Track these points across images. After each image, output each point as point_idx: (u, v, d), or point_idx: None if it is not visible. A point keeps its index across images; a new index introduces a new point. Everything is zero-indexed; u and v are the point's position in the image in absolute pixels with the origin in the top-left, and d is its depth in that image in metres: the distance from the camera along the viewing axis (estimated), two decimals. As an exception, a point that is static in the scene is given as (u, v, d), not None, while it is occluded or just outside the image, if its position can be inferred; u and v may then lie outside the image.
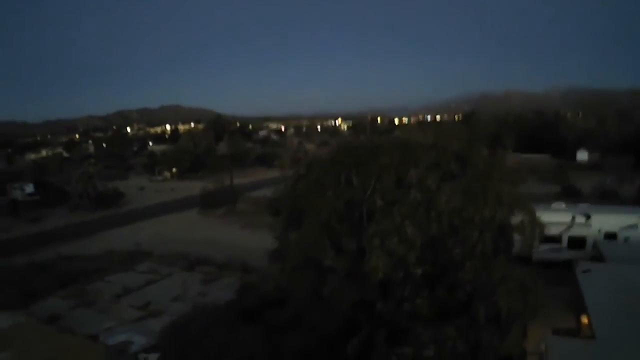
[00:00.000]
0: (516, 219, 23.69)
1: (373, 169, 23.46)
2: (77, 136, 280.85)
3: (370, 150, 24.55)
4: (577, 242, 39.73)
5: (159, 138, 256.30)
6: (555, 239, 41.23)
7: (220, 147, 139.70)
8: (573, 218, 42.00)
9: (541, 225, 24.66)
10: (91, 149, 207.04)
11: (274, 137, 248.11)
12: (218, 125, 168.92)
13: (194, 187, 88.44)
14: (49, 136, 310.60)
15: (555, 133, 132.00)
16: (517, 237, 24.48)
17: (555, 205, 46.68)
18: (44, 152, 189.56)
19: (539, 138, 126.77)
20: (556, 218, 42.02)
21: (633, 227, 39.36)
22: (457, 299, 21.06)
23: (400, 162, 23.61)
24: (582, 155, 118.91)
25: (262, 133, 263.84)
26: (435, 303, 21.17)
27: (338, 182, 24.17)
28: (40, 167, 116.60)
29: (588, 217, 41.56)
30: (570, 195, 65.31)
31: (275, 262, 27.03)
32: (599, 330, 21.44)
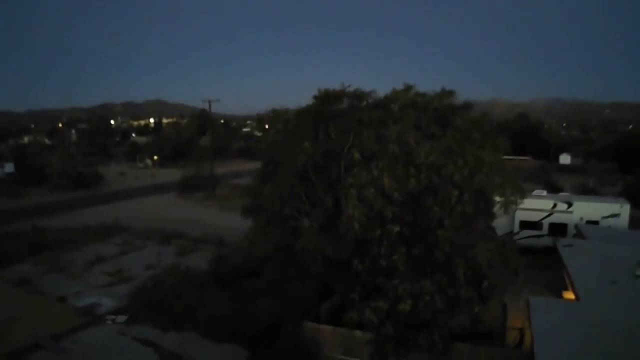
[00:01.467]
0: (497, 180, 23.39)
1: (352, 124, 23.11)
2: (60, 125, 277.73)
3: (349, 109, 24.20)
4: (559, 229, 39.46)
5: (142, 130, 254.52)
6: (536, 225, 41.11)
7: (202, 140, 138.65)
8: (554, 205, 41.79)
9: (521, 190, 24.39)
10: (73, 137, 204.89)
11: (257, 133, 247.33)
12: (202, 119, 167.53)
13: (174, 174, 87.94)
14: (32, 125, 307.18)
15: (538, 136, 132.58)
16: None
17: (536, 192, 46.56)
18: (25, 139, 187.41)
19: (521, 140, 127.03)
20: (537, 205, 41.90)
21: (615, 216, 39.23)
22: (435, 258, 20.68)
23: (379, 120, 23.34)
24: (565, 159, 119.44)
25: (245, 130, 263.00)
26: (413, 261, 20.77)
27: (316, 134, 23.78)
28: (21, 148, 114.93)
29: (570, 204, 41.36)
30: (553, 193, 65.26)
31: (248, 216, 26.39)
32: (581, 292, 21.20)
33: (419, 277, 19.80)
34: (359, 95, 23.87)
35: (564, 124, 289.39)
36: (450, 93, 24.76)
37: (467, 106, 24.92)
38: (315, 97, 24.08)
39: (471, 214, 21.49)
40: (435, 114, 24.36)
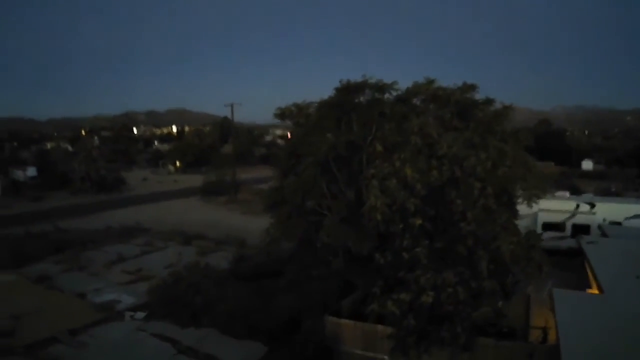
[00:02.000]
0: (519, 173, 23.14)
1: (374, 116, 22.97)
2: (83, 133, 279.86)
3: (371, 101, 24.03)
4: (581, 230, 38.92)
5: (165, 138, 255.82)
6: (559, 227, 40.65)
7: (225, 147, 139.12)
8: (577, 206, 41.31)
9: (544, 184, 24.12)
10: (96, 142, 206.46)
11: (280, 141, 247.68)
12: (224, 127, 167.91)
13: (196, 180, 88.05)
14: (55, 134, 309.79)
15: (561, 142, 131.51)
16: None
17: (559, 193, 46.12)
18: (48, 145, 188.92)
19: (543, 146, 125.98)
20: (560, 206, 41.48)
21: (638, 216, 38.71)
22: (458, 252, 20.44)
23: (401, 113, 23.21)
24: (587, 165, 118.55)
25: (268, 138, 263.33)
26: (435, 254, 20.54)
27: (338, 126, 23.66)
28: (44, 153, 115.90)
29: (592, 205, 40.89)
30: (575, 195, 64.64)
31: (270, 210, 26.26)
32: (605, 286, 20.83)
33: (442, 269, 19.52)
34: (380, 87, 23.63)
35: (586, 132, 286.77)
36: (472, 87, 24.50)
37: (489, 101, 24.63)
38: (336, 89, 23.93)
39: (494, 207, 21.25)
40: (457, 107, 24.17)
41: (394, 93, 24.13)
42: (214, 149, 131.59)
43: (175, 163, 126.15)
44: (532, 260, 20.74)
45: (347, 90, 23.74)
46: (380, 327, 21.31)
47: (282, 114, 25.41)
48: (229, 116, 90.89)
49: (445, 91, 24.19)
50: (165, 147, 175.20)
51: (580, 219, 39.56)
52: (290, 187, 23.65)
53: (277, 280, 28.87)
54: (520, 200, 23.29)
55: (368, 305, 20.44)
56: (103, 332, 26.24)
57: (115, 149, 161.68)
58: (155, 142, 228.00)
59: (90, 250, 42.29)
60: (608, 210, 39.83)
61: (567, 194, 48.09)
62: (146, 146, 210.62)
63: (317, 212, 23.91)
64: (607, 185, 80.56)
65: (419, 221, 20.70)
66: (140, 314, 28.19)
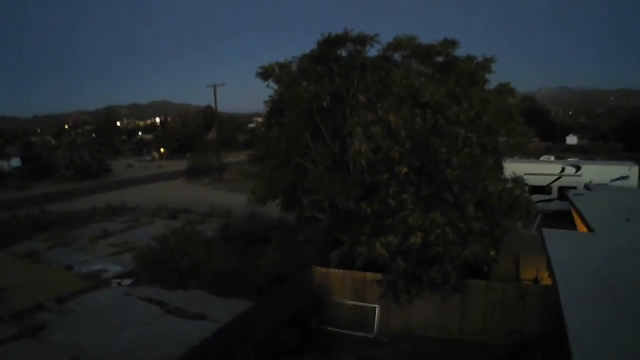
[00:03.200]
0: (503, 121, 23.13)
1: (356, 67, 22.91)
2: (67, 127, 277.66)
3: (353, 53, 23.88)
4: (567, 193, 39.17)
5: (149, 129, 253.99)
6: (545, 190, 40.86)
7: (209, 135, 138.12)
8: (562, 169, 41.56)
9: (530, 132, 24.11)
10: (79, 138, 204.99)
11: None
12: (207, 115, 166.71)
13: (181, 165, 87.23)
14: (38, 130, 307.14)
15: (544, 119, 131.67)
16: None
17: (544, 157, 46.31)
18: (33, 139, 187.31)
19: (528, 122, 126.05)
20: (546, 169, 41.68)
21: (624, 178, 38.91)
22: (444, 198, 20.37)
23: (383, 66, 23.13)
24: (572, 140, 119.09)
25: (251, 125, 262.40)
26: (422, 200, 20.47)
27: (320, 78, 23.53)
28: (28, 145, 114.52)
29: (578, 168, 41.12)
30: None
31: (255, 164, 26.10)
32: (595, 226, 20.85)
33: (429, 210, 19.43)
34: (362, 39, 23.48)
35: (570, 112, 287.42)
36: (453, 42, 24.37)
37: (470, 58, 24.54)
38: (318, 42, 23.74)
39: (479, 154, 21.23)
40: (438, 62, 24.16)
41: (375, 45, 23.97)
42: (198, 135, 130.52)
43: (160, 150, 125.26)
44: (519, 203, 20.66)
45: (329, 43, 23.58)
46: (369, 274, 21.28)
47: (264, 72, 25.09)
48: (212, 105, 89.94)
49: (426, 46, 24.12)
50: (149, 137, 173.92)
51: (566, 182, 39.79)
52: (274, 138, 23.59)
53: (265, 246, 28.83)
54: (505, 147, 23.26)
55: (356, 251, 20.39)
56: (89, 299, 26.01)
57: (99, 141, 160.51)
58: (139, 133, 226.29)
59: (76, 229, 41.89)
60: (593, 172, 40.04)
61: (552, 157, 48.22)
62: (130, 137, 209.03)
63: (301, 165, 23.82)
64: (591, 158, 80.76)
65: (404, 169, 20.71)
66: (127, 281, 27.99)
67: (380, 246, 19.03)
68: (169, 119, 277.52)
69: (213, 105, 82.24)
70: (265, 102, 25.41)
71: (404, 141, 20.67)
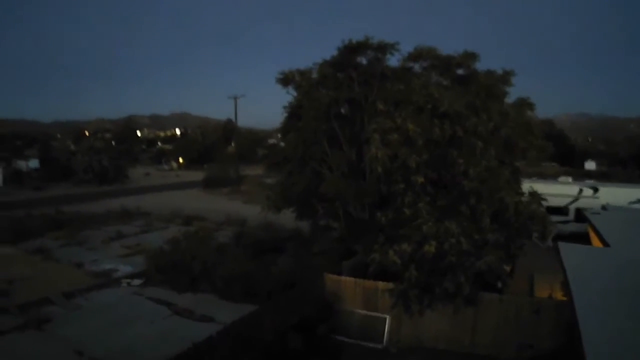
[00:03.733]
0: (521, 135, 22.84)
1: (375, 75, 22.80)
2: (87, 134, 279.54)
3: (373, 61, 23.79)
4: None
5: (169, 140, 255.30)
6: (562, 211, 40.40)
7: (228, 149, 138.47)
8: (580, 190, 41.10)
9: (548, 146, 23.78)
10: (99, 144, 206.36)
11: (282, 144, 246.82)
12: (227, 129, 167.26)
13: (199, 176, 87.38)
14: (58, 135, 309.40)
15: (564, 143, 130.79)
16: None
17: (562, 178, 45.89)
18: (52, 152, 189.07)
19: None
20: (563, 190, 41.25)
21: (641, 200, 38.46)
22: (460, 210, 20.10)
23: (403, 75, 22.99)
24: (590, 165, 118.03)
25: (271, 141, 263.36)
26: (438, 210, 20.21)
27: (339, 84, 23.45)
28: (47, 147, 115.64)
29: (596, 189, 40.68)
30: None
31: (271, 171, 25.94)
32: (610, 241, 20.50)
33: (444, 219, 19.16)
34: (382, 47, 23.33)
35: (589, 139, 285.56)
36: (473, 55, 24.12)
37: (490, 72, 24.28)
38: (338, 48, 23.63)
39: (496, 165, 21.00)
40: (457, 75, 23.97)
41: (395, 54, 23.80)
42: (217, 147, 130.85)
43: (178, 160, 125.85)
44: (536, 217, 20.34)
45: (349, 50, 23.44)
46: (381, 283, 21.04)
47: (284, 79, 24.97)
48: (232, 118, 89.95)
49: (446, 57, 23.91)
50: (168, 147, 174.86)
51: (583, 203, 39.27)
52: (292, 142, 23.46)
53: (278, 255, 28.68)
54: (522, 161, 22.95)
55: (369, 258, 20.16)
56: (98, 296, 25.91)
57: (118, 149, 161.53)
58: (159, 143, 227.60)
59: (89, 230, 41.92)
60: (611, 194, 39.56)
61: (570, 179, 47.78)
62: (149, 146, 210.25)
63: (317, 172, 23.68)
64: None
65: (421, 179, 20.40)
66: (137, 281, 27.85)
67: (394, 254, 18.78)
68: (189, 130, 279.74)
69: (233, 118, 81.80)
70: (284, 107, 25.26)
71: (421, 150, 20.42)
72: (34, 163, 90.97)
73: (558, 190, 41.03)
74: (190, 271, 26.35)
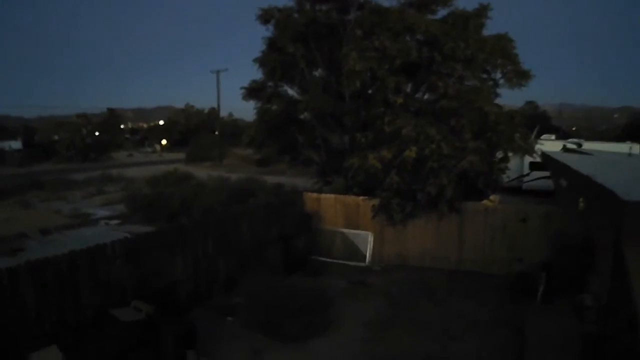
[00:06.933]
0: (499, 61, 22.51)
1: (353, 4, 22.71)
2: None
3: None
4: (568, 170, 38.68)
5: (152, 129, 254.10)
6: (546, 167, 40.35)
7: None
8: (564, 146, 41.04)
9: (527, 75, 23.37)
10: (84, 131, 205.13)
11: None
12: (211, 117, 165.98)
13: (183, 156, 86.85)
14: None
15: (547, 123, 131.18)
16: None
17: (545, 136, 45.89)
18: (35, 138, 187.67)
19: (531, 127, 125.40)
20: (547, 147, 41.19)
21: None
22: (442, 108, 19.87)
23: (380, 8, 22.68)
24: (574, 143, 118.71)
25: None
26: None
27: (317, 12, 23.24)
28: (30, 130, 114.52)
29: (579, 145, 40.61)
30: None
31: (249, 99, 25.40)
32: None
33: (424, 124, 18.90)
34: None
35: (574, 128, 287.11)
36: None
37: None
38: None
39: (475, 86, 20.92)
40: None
41: None
42: (200, 130, 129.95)
43: (161, 142, 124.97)
44: (515, 124, 20.35)
45: None
46: (361, 198, 20.75)
47: (264, 15, 24.35)
48: (216, 108, 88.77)
49: None
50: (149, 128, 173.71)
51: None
52: (270, 63, 23.11)
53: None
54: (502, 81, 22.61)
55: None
56: (74, 232, 25.63)
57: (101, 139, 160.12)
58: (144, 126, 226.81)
59: (71, 190, 41.54)
60: (595, 149, 39.50)
61: (554, 136, 47.82)
62: (133, 134, 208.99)
63: (295, 101, 23.52)
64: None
65: (400, 100, 20.22)
66: (116, 221, 27.60)
67: (374, 158, 18.45)
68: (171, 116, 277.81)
69: (216, 79, 79.37)
70: (262, 38, 24.83)
71: (399, 71, 20.26)
72: (16, 144, 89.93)
73: (541, 147, 41.01)
74: (169, 207, 26.02)
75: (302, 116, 23.81)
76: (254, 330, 13.76)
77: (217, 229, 16.94)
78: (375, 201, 19.85)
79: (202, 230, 16.37)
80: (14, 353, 10.06)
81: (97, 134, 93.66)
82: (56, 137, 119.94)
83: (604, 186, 9.66)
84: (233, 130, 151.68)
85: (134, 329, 11.25)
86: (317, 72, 23.74)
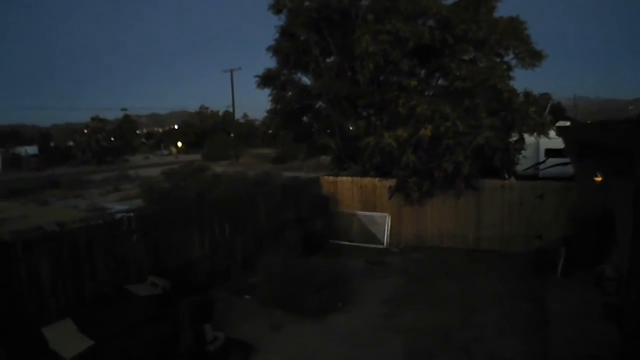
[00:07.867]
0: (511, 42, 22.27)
1: None
2: (85, 131, 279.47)
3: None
4: (585, 155, 38.18)
5: (167, 133, 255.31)
6: (562, 153, 39.92)
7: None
8: (580, 130, 40.67)
9: (540, 55, 23.10)
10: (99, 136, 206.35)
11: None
12: (227, 119, 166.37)
13: (199, 158, 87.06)
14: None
15: (562, 114, 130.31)
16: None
17: (560, 123, 45.47)
18: (51, 144, 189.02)
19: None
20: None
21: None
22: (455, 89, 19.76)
23: None
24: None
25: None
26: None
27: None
28: (46, 136, 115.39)
29: (596, 130, 40.18)
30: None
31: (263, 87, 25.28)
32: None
33: (438, 103, 18.79)
34: None
35: (588, 121, 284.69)
36: None
37: None
38: None
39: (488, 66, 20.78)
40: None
41: None
42: (216, 131, 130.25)
43: (177, 144, 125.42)
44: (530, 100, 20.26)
45: None
46: (378, 179, 20.65)
47: (276, 4, 24.30)
48: (230, 110, 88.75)
49: None
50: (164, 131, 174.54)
51: (585, 145, 38.66)
52: (283, 50, 23.05)
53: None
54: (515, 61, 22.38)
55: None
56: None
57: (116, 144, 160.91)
58: (159, 131, 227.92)
59: (88, 189, 41.79)
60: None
61: (568, 123, 47.38)
62: (149, 138, 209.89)
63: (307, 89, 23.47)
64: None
65: (414, 83, 20.23)
66: (132, 214, 27.62)
67: (389, 136, 18.37)
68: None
69: (230, 78, 79.38)
70: (275, 27, 24.75)
71: (412, 54, 20.27)
72: (32, 150, 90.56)
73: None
74: (186, 198, 26.06)
75: (317, 105, 23.86)
76: (271, 307, 13.73)
77: (234, 209, 16.96)
78: (392, 182, 19.80)
79: (219, 209, 16.36)
80: (25, 326, 10.00)
81: (112, 139, 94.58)
82: (71, 143, 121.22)
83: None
84: (249, 130, 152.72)
85: (150, 303, 11.17)
86: (331, 59, 23.60)
